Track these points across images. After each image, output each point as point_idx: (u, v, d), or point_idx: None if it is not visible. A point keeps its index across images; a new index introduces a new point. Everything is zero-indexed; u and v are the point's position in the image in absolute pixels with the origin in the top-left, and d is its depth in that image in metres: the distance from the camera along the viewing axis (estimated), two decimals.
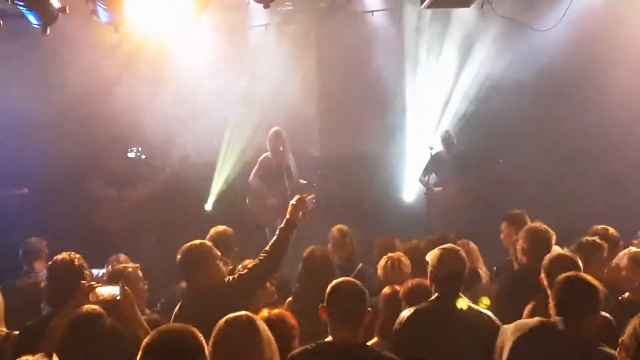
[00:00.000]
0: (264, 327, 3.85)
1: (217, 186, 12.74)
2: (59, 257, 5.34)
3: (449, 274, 5.09)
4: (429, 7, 8.86)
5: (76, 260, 5.28)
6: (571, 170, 12.30)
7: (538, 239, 6.27)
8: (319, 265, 6.30)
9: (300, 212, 5.76)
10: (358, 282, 4.63)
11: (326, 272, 5.99)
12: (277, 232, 5.68)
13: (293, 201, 5.79)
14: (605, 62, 11.72)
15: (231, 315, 3.86)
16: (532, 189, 11.85)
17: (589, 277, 4.59)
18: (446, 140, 11.04)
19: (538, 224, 6.55)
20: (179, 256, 5.45)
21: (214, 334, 3.74)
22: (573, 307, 4.46)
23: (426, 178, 11.02)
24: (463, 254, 5.27)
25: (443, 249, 5.27)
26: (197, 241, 5.62)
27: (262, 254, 5.57)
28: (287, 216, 5.73)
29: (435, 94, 13.28)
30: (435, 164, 11.04)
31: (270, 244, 5.61)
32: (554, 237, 6.33)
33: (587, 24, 11.37)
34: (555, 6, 10.42)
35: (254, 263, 5.58)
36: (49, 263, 5.49)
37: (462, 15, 12.65)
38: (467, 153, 11.18)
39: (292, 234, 5.66)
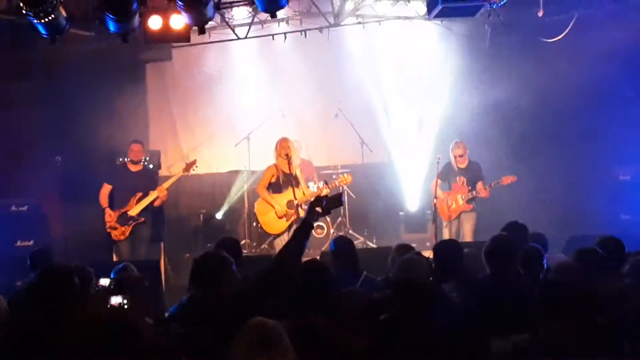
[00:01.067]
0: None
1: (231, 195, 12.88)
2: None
3: None
4: (436, 16, 8.91)
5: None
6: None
7: None
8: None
9: (318, 209, 5.60)
10: None
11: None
12: (292, 234, 5.58)
13: (311, 199, 5.64)
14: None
15: (258, 318, 3.85)
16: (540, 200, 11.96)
17: None
18: (453, 152, 11.03)
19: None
20: (200, 262, 5.43)
21: (241, 335, 3.73)
22: None
23: (435, 187, 11.04)
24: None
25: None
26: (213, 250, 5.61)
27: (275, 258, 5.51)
28: (304, 216, 5.58)
29: (440, 104, 13.30)
30: (444, 173, 11.03)
31: (283, 246, 5.52)
32: None
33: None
34: (561, 16, 10.45)
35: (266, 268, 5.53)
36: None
37: (469, 26, 12.71)
38: (477, 163, 11.16)
39: (308, 235, 5.52)
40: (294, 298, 5.39)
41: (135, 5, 7.79)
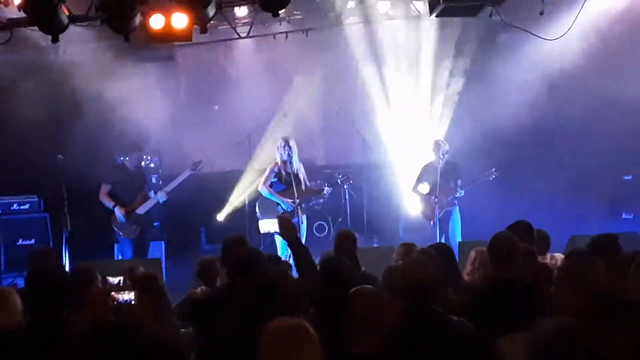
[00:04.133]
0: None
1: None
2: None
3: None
4: (437, 15, 8.91)
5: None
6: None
7: None
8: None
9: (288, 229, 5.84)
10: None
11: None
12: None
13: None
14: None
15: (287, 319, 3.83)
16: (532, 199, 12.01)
17: None
18: (435, 149, 11.01)
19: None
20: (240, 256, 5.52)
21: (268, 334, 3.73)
22: None
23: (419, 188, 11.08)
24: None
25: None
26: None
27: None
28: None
29: (440, 103, 13.32)
30: (426, 173, 11.04)
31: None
32: None
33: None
34: (562, 16, 10.46)
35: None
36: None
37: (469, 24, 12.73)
38: (456, 163, 11.15)
39: (300, 253, 5.70)
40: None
41: (136, 9, 7.79)
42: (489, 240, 5.77)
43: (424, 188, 11.03)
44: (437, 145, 10.95)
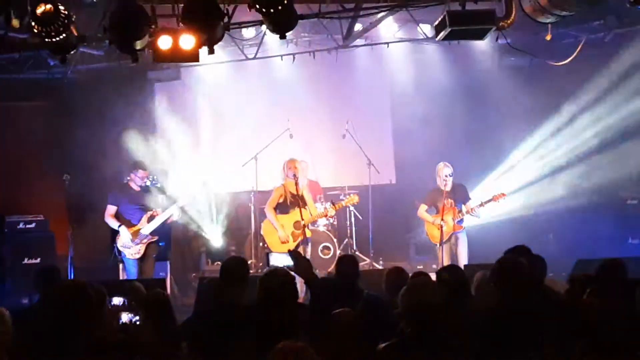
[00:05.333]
0: None
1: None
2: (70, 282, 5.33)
3: None
4: (444, 39, 8.94)
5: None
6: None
7: None
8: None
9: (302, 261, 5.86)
10: None
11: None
12: None
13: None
14: None
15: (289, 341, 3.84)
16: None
17: None
18: (437, 173, 11.03)
19: None
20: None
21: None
22: None
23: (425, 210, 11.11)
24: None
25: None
26: None
27: None
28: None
29: (449, 125, 13.35)
30: (432, 196, 11.06)
31: None
32: None
33: None
34: (569, 40, 10.53)
35: None
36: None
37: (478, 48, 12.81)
38: (464, 185, 11.17)
39: (313, 284, 5.74)
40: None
41: (144, 30, 7.83)
42: (495, 264, 5.75)
43: (431, 211, 11.06)
44: (439, 168, 10.98)
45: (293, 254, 6.03)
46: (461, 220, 10.89)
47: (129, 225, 10.13)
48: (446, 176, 10.84)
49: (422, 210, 11.11)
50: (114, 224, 10.14)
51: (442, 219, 10.78)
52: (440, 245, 10.82)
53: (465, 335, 4.90)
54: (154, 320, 5.06)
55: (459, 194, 11.00)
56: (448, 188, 10.85)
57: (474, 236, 11.07)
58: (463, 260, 10.63)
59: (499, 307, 5.49)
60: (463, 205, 10.93)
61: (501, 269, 5.61)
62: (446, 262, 10.37)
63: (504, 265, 5.63)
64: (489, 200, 10.81)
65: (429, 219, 11.02)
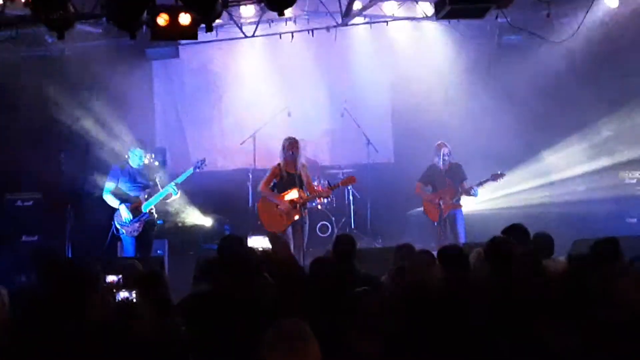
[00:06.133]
0: None
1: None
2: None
3: None
4: (443, 17, 8.91)
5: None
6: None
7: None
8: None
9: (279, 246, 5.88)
10: None
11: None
12: None
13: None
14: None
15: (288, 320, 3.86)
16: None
17: None
18: (436, 152, 11.04)
19: None
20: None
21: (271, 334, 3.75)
22: None
23: (420, 188, 11.13)
24: None
25: None
26: None
27: None
28: None
29: (448, 103, 13.31)
30: (429, 175, 11.08)
31: None
32: None
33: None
34: (570, 18, 10.47)
35: None
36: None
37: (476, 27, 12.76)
38: (460, 164, 11.17)
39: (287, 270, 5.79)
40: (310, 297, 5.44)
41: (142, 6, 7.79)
42: (486, 243, 5.80)
43: (427, 189, 11.09)
44: (438, 147, 10.99)
45: (270, 236, 6.05)
46: (458, 199, 10.91)
47: (128, 202, 10.12)
48: (444, 155, 10.86)
49: (419, 188, 11.14)
50: (113, 202, 10.12)
51: (440, 198, 10.80)
52: (438, 223, 10.84)
53: (462, 310, 4.92)
54: (148, 297, 5.07)
55: (456, 173, 11.02)
56: (445, 167, 10.88)
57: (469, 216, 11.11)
58: (461, 239, 10.68)
59: (491, 283, 5.55)
60: (460, 184, 10.95)
61: (492, 247, 5.70)
62: (444, 241, 10.39)
63: (495, 243, 5.73)
64: (487, 180, 10.82)
65: (427, 197, 11.05)
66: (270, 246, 5.98)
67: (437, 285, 4.83)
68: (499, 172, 10.85)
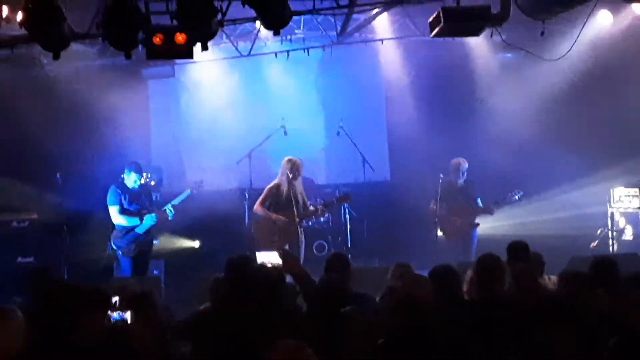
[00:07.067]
0: None
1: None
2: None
3: None
4: (438, 35, 8.90)
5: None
6: None
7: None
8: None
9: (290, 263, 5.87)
10: None
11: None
12: None
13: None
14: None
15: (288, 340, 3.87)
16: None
17: None
18: (456, 168, 11.05)
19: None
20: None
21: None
22: None
23: (436, 206, 11.04)
24: None
25: None
26: None
27: None
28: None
29: (444, 122, 13.31)
30: (444, 192, 11.05)
31: None
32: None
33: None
34: (565, 36, 10.51)
35: None
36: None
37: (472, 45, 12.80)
38: (473, 181, 11.19)
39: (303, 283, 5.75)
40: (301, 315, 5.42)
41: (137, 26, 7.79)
42: (476, 262, 5.82)
43: (442, 207, 11.05)
44: (458, 163, 11.02)
45: (281, 253, 6.05)
46: (474, 218, 10.94)
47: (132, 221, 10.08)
48: (463, 172, 10.92)
49: (435, 204, 11.09)
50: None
51: (459, 216, 10.85)
52: (449, 241, 10.89)
53: (453, 329, 4.92)
54: (141, 317, 5.05)
55: (472, 191, 11.05)
56: (461, 184, 10.93)
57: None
58: (472, 257, 10.63)
59: (480, 301, 5.56)
60: (477, 202, 10.98)
61: (479, 265, 5.73)
62: (454, 259, 10.36)
63: (482, 261, 5.76)
64: (504, 199, 10.86)
65: (443, 215, 11.01)
66: (280, 262, 5.99)
67: (427, 304, 4.82)
68: (516, 191, 10.88)
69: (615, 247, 11.92)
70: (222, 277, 6.38)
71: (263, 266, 6.34)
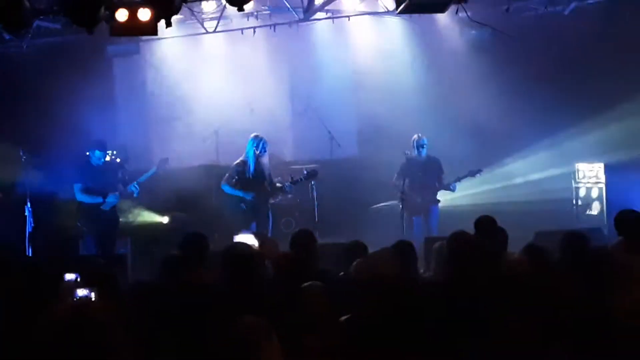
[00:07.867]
0: None
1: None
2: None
3: None
4: (403, 12, 8.92)
5: None
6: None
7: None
8: None
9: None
10: None
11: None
12: None
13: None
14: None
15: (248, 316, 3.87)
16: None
17: None
18: (418, 144, 11.08)
19: None
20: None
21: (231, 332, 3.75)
22: None
23: (400, 182, 11.06)
24: None
25: None
26: None
27: None
28: None
29: (411, 98, 13.33)
30: (407, 168, 11.09)
31: None
32: None
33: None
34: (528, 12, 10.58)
35: None
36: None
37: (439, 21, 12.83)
38: (437, 158, 11.23)
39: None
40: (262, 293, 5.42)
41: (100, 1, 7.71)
42: (447, 238, 5.84)
43: (405, 183, 11.06)
44: (413, 139, 11.04)
45: (258, 235, 6.06)
46: (435, 194, 10.99)
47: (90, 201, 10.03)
48: (420, 147, 10.93)
49: (397, 180, 11.11)
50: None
51: (419, 193, 10.89)
52: (411, 217, 10.92)
53: (421, 305, 4.95)
54: (103, 295, 5.04)
55: (433, 167, 11.08)
56: (423, 160, 10.95)
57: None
58: (434, 233, 10.69)
59: (450, 277, 5.59)
60: (438, 179, 11.02)
61: (450, 242, 5.76)
62: (417, 234, 10.42)
63: (453, 238, 5.78)
64: (466, 176, 10.92)
65: (407, 190, 11.02)
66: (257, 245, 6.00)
67: (391, 277, 4.84)
68: (477, 169, 10.95)
69: (579, 222, 12.05)
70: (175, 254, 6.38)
71: (238, 245, 6.31)
